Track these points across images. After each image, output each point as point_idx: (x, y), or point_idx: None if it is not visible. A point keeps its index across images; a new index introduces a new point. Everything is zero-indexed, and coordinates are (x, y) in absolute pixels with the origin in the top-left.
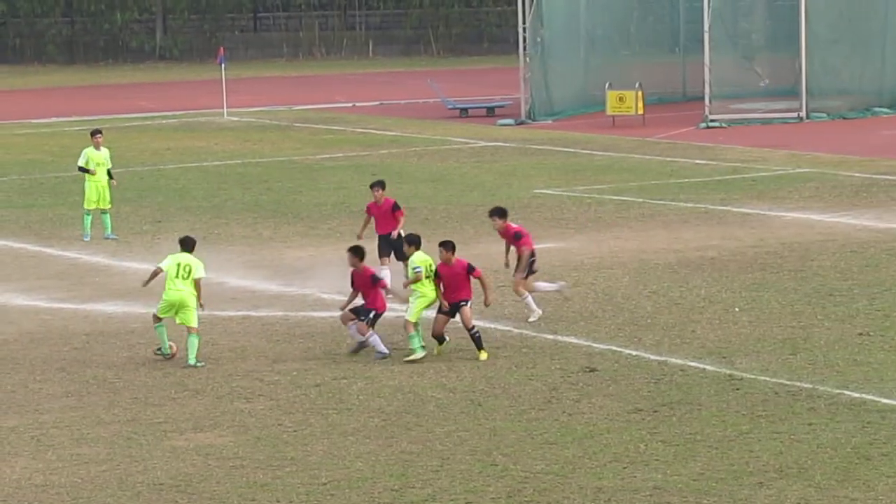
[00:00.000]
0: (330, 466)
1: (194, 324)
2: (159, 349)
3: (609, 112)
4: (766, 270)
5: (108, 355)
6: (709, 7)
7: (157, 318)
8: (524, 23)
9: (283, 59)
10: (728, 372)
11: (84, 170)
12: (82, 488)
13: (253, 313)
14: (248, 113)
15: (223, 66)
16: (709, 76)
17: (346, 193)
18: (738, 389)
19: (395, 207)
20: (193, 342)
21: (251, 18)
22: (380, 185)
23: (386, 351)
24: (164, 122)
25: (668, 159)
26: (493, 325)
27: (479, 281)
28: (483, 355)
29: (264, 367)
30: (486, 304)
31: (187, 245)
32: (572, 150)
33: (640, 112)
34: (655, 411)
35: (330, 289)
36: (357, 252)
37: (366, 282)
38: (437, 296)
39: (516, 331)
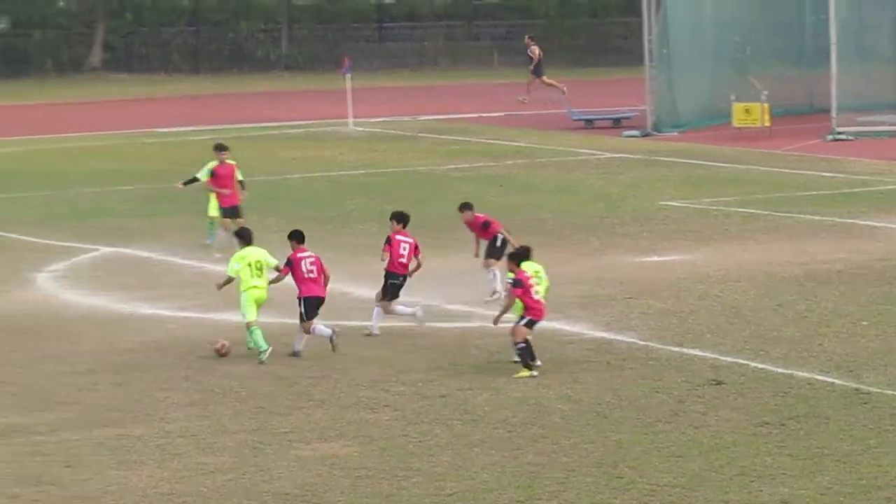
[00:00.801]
0: (455, 477)
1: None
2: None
3: (735, 124)
4: (893, 284)
5: (233, 364)
6: (836, 19)
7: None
8: (650, 34)
9: (408, 70)
10: (855, 386)
11: (192, 181)
12: (208, 497)
13: (378, 323)
14: (373, 123)
15: (348, 75)
16: (835, 88)
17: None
18: (865, 403)
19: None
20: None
21: (376, 28)
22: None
23: (298, 349)
24: (289, 131)
25: (795, 171)
26: (618, 337)
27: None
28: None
29: (389, 377)
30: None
31: (246, 238)
32: (698, 161)
33: (767, 124)
34: (782, 425)
35: (454, 299)
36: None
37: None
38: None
39: (642, 343)
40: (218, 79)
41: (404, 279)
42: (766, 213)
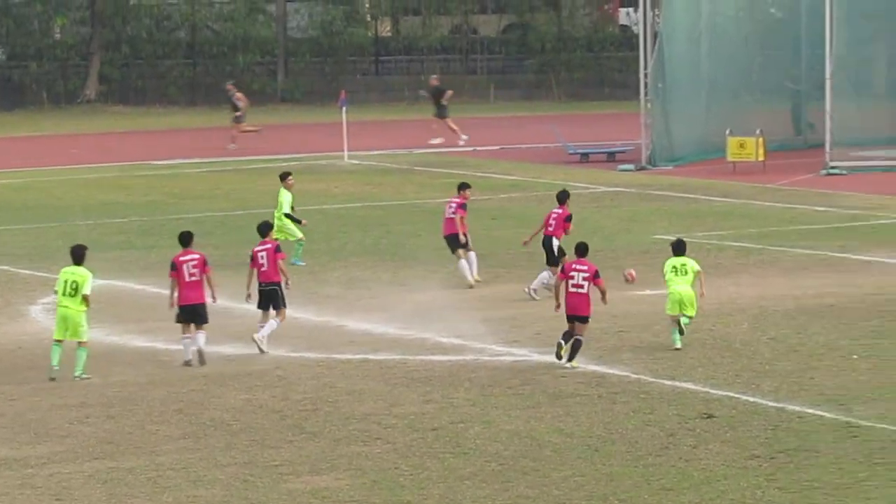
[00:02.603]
0: None
1: (83, 338)
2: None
3: (729, 158)
4: (885, 318)
5: (225, 397)
6: (831, 54)
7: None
8: (646, 68)
9: (405, 103)
10: (846, 419)
11: (293, 218)
12: None
13: (371, 356)
14: (369, 156)
15: (344, 109)
16: (830, 123)
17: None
18: (855, 437)
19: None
20: (81, 355)
21: (373, 62)
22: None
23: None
24: (285, 164)
25: (788, 206)
26: (610, 371)
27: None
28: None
29: (382, 410)
30: None
31: (76, 256)
32: (692, 195)
33: (761, 158)
34: (773, 458)
35: (449, 333)
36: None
37: None
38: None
39: (634, 376)
40: (214, 112)
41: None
42: (760, 247)
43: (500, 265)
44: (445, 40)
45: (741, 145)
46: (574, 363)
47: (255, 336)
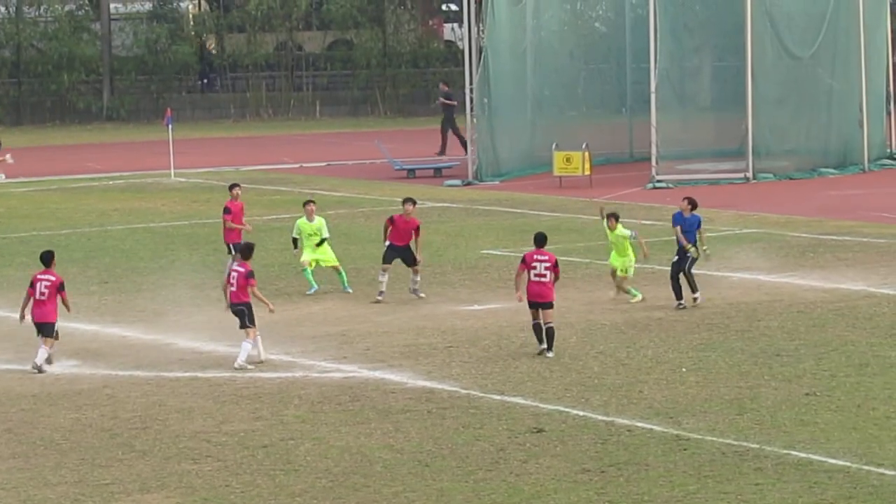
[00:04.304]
0: None
1: None
2: None
3: (556, 173)
4: (713, 331)
5: (55, 416)
6: (655, 68)
7: None
8: (471, 84)
9: (231, 120)
10: (675, 432)
11: (295, 245)
12: None
13: (200, 374)
14: (196, 174)
15: (170, 127)
16: (655, 137)
17: (294, 254)
18: (685, 450)
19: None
20: None
21: (198, 79)
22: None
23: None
24: (110, 182)
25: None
26: (440, 386)
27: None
28: None
29: (212, 428)
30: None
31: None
32: (519, 210)
33: (587, 173)
34: (603, 472)
35: (277, 349)
36: None
37: None
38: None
39: (463, 391)
40: (40, 131)
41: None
42: (588, 261)
43: (328, 282)
44: (270, 57)
45: (567, 160)
46: (552, 353)
47: (235, 365)
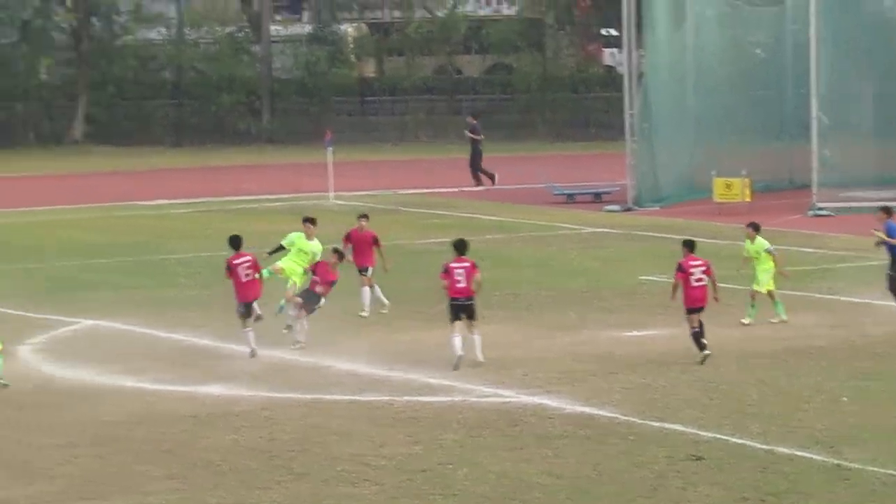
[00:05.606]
0: None
1: None
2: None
3: (716, 199)
4: (874, 360)
5: (213, 437)
6: (816, 94)
7: None
8: (631, 109)
9: (390, 143)
10: (836, 462)
11: (276, 251)
12: None
13: (358, 397)
14: (354, 196)
15: (330, 149)
16: (816, 163)
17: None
18: (846, 480)
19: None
20: None
21: (358, 102)
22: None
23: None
24: (269, 204)
25: (775, 247)
26: (599, 412)
27: None
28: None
29: (370, 451)
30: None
31: None
32: (678, 236)
33: (748, 199)
34: (762, 500)
35: (436, 373)
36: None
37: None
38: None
39: (622, 417)
40: (200, 152)
41: (467, 300)
42: (746, 288)
43: (486, 306)
44: (430, 81)
45: (727, 186)
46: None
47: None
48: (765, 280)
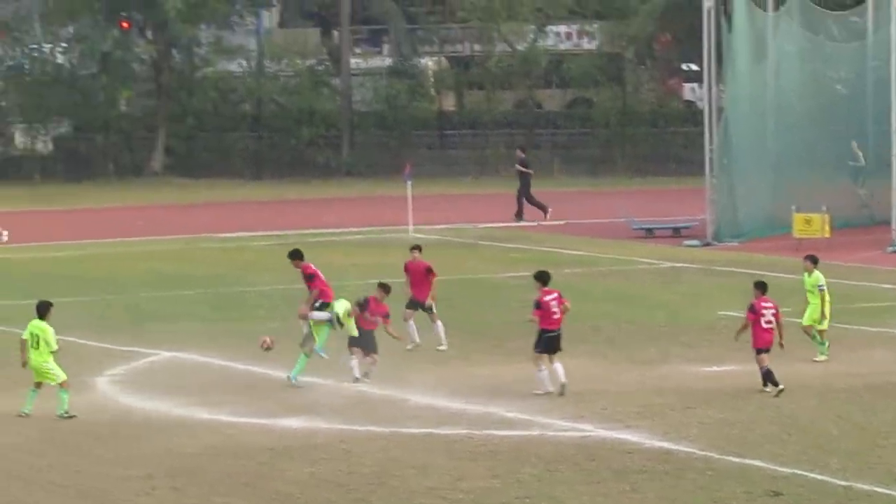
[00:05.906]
0: None
1: (57, 381)
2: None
3: (795, 235)
4: None
5: (291, 470)
6: None
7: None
8: (711, 144)
9: (469, 177)
10: None
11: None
12: None
13: (436, 431)
14: (434, 230)
15: (409, 182)
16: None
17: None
18: None
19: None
20: (62, 396)
21: (437, 135)
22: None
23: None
24: (349, 237)
25: (854, 283)
26: (677, 447)
27: None
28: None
29: (447, 484)
30: None
31: (40, 311)
32: (758, 272)
33: (827, 235)
34: None
35: (513, 407)
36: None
37: None
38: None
39: (700, 452)
40: (279, 184)
41: (558, 331)
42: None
43: (565, 340)
44: (509, 115)
45: (807, 221)
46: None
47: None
48: (807, 315)
